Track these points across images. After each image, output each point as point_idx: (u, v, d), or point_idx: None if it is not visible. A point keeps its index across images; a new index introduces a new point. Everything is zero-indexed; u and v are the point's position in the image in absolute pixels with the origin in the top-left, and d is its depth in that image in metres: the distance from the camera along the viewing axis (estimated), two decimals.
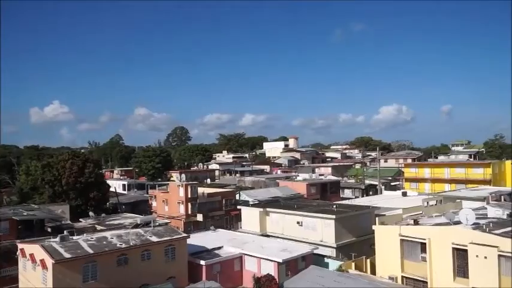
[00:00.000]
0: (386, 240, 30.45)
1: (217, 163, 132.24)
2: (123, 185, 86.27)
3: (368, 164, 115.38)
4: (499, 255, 24.02)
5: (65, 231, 29.52)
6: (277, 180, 79.02)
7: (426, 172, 74.88)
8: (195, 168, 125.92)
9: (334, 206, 42.42)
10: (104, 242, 28.40)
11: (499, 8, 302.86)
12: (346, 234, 37.57)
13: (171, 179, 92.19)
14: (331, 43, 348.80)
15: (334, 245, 36.46)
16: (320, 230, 37.89)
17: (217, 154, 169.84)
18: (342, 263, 31.98)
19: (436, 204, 38.49)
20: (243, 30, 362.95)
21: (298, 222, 39.80)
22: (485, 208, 34.29)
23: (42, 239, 29.14)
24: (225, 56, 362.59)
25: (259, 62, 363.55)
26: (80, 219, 45.74)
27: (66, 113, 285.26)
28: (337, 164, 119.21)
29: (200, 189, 59.02)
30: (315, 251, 34.10)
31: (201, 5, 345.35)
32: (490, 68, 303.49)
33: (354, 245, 36.77)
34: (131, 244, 28.61)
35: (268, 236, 41.37)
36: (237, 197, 61.26)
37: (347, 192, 78.28)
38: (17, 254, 29.13)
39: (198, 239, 36.43)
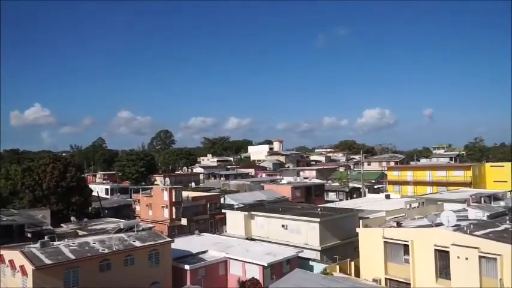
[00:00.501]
0: (370, 243, 30.73)
1: (201, 167, 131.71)
2: (106, 189, 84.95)
3: (352, 167, 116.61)
4: (480, 257, 24.47)
5: (45, 237, 28.87)
6: (262, 184, 79.00)
7: (409, 175, 75.98)
8: (180, 172, 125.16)
9: (319, 209, 42.62)
10: (86, 248, 27.90)
11: (476, 14, 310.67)
12: (331, 237, 37.78)
13: (155, 183, 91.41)
14: (315, 48, 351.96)
15: (319, 248, 36.62)
16: (305, 233, 38.01)
17: (202, 158, 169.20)
18: (326, 266, 32.11)
19: (418, 207, 39.14)
20: (228, 33, 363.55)
21: (283, 226, 39.85)
22: (466, 210, 34.92)
23: (22, 244, 28.40)
24: (210, 59, 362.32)
25: (244, 66, 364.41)
26: (62, 225, 44.70)
27: (47, 116, 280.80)
28: (322, 167, 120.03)
29: (184, 193, 58.61)
30: (300, 254, 34.16)
31: (185, 5, 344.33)
32: (469, 72, 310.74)
33: (338, 248, 37.01)
34: (114, 249, 28.17)
35: (253, 239, 41.29)
36: (222, 200, 61.01)
37: (331, 195, 78.81)
38: None
39: (182, 244, 36.12)
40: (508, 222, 30.44)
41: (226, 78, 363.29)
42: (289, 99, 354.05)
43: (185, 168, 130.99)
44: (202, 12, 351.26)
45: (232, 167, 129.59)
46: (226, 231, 46.11)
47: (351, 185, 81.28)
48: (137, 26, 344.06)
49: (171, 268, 30.84)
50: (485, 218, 31.61)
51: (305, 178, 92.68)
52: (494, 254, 24.00)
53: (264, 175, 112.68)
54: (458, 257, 25.31)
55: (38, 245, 27.16)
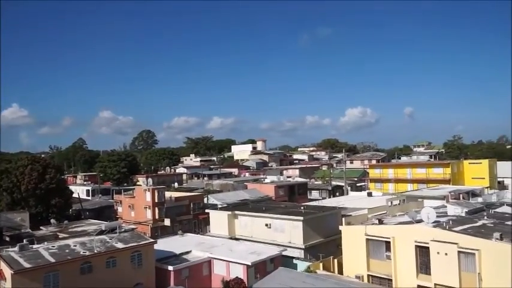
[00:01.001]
0: (352, 240, 31.09)
1: (184, 167, 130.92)
2: (87, 191, 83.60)
3: (334, 165, 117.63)
4: (459, 252, 25.05)
5: (24, 240, 28.25)
6: (246, 183, 78.99)
7: (390, 173, 77.16)
8: (162, 172, 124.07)
9: (302, 208, 42.87)
10: (67, 250, 27.41)
11: (455, 14, 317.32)
12: (314, 235, 38.05)
13: (138, 183, 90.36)
14: (298, 47, 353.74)
15: (303, 246, 36.84)
16: (288, 232, 38.18)
17: (185, 158, 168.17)
18: (310, 264, 32.34)
19: (399, 204, 39.70)
20: (211, 33, 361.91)
21: (266, 225, 39.93)
22: (445, 206, 35.70)
23: (0, 248, 27.77)
24: (192, 58, 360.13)
25: (227, 65, 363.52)
26: (41, 227, 43.85)
27: (26, 116, 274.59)
28: (305, 166, 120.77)
29: (167, 194, 58.09)
30: (284, 253, 34.33)
31: (165, 4, 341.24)
32: (448, 71, 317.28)
33: (321, 246, 37.29)
34: (95, 251, 27.77)
35: (237, 239, 41.26)
36: (205, 200, 60.74)
37: (314, 194, 79.37)
38: None
39: (165, 244, 35.85)
40: (485, 217, 31.27)
41: (210, 77, 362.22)
42: (273, 99, 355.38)
43: (168, 168, 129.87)
44: (184, 12, 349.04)
45: (215, 167, 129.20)
46: (209, 231, 45.94)
47: (333, 183, 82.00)
48: (117, 26, 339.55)
49: (155, 269, 30.57)
50: (463, 214, 32.39)
51: (288, 177, 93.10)
52: (473, 249, 24.60)
53: (247, 174, 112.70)
54: (438, 253, 25.84)
55: (16, 248, 26.58)
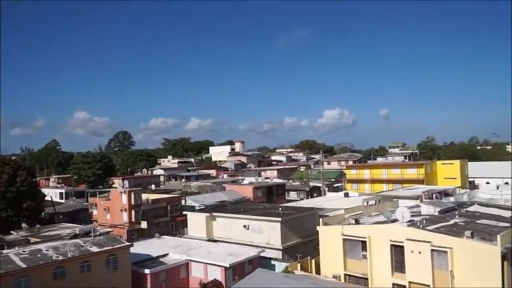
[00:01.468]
0: (329, 240, 31.40)
1: (162, 168, 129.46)
2: (61, 194, 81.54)
3: (312, 166, 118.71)
4: (432, 250, 25.66)
5: None
6: (224, 185, 78.84)
7: (366, 173, 78.38)
8: (139, 174, 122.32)
9: (280, 209, 43.07)
10: (39, 255, 26.64)
11: (427, 16, 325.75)
12: (292, 236, 38.27)
13: (113, 185, 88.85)
14: (276, 48, 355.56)
15: (280, 247, 37.00)
16: (266, 233, 38.27)
17: (162, 159, 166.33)
18: (288, 265, 32.50)
19: (375, 204, 40.38)
20: (189, 33, 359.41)
21: (244, 226, 39.92)
22: (419, 206, 36.52)
23: None
24: (170, 59, 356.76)
25: (205, 66, 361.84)
26: (11, 232, 42.43)
27: None
28: (283, 167, 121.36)
29: (144, 196, 57.41)
30: (262, 254, 34.38)
31: (139, 4, 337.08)
32: (421, 73, 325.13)
33: (299, 246, 37.56)
34: (69, 256, 27.09)
35: (215, 241, 41.09)
36: (183, 202, 60.28)
37: (292, 195, 79.83)
38: None
39: (142, 247, 35.38)
40: (457, 216, 32.18)
41: (188, 78, 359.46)
42: (251, 100, 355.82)
43: (145, 170, 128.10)
44: (159, 11, 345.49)
45: (193, 168, 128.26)
46: (187, 234, 45.59)
47: (311, 184, 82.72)
48: (91, 24, 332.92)
49: (131, 273, 30.08)
50: (436, 213, 33.23)
51: (266, 178, 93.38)
52: (445, 247, 25.24)
53: (225, 176, 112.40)
54: (412, 251, 26.40)
55: None
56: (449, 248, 25.08)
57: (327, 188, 78.25)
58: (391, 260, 27.87)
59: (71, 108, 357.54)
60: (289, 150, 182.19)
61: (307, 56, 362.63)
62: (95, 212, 60.02)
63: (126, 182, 59.40)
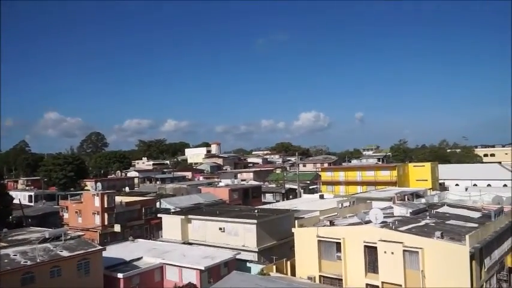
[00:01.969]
0: (305, 242, 31.66)
1: (136, 170, 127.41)
2: (30, 196, 79.15)
3: (288, 168, 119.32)
4: (404, 251, 26.25)
5: None
6: (200, 187, 78.34)
7: (341, 175, 79.51)
8: (113, 176, 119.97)
9: (256, 211, 43.11)
10: (6, 260, 25.68)
11: (397, 21, 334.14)
12: (268, 238, 38.35)
13: (86, 188, 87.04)
14: (254, 51, 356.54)
15: (256, 249, 37.01)
16: (242, 235, 38.21)
17: (137, 161, 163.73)
18: (263, 267, 32.56)
19: (349, 206, 41.03)
20: (165, 34, 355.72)
21: (220, 229, 39.75)
22: (392, 207, 37.35)
23: None
24: (146, 59, 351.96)
25: (182, 67, 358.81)
26: None
27: None
28: (259, 169, 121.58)
29: (118, 198, 56.42)
30: (238, 256, 34.30)
31: (118, 3, 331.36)
32: (394, 77, 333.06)
33: (275, 248, 37.69)
34: (38, 261, 26.25)
35: (190, 243, 40.72)
36: (158, 205, 59.50)
37: (268, 197, 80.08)
38: None
39: (115, 251, 34.68)
40: (428, 217, 33.05)
41: (164, 79, 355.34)
42: (228, 102, 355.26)
43: (119, 172, 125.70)
44: (135, 12, 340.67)
45: (168, 170, 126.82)
46: (162, 236, 45.00)
47: (287, 186, 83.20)
48: (63, 22, 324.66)
49: (103, 277, 29.42)
50: (408, 215, 34.04)
51: (243, 180, 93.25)
52: (417, 248, 25.87)
53: (201, 178, 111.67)
54: (385, 252, 26.93)
55: None
56: (421, 248, 25.72)
57: (302, 190, 78.88)
58: (365, 261, 28.34)
59: (41, 108, 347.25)
60: (266, 152, 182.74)
61: (285, 59, 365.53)
62: (66, 215, 58.61)
63: (99, 184, 58.22)
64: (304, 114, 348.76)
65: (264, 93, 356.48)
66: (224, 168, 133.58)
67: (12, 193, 62.94)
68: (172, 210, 54.03)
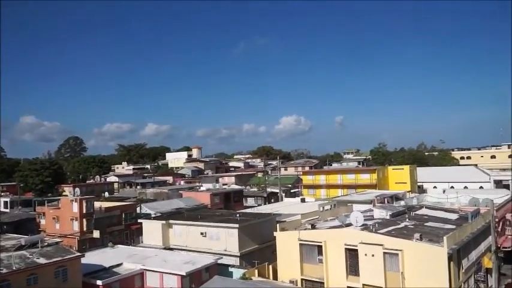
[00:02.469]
0: (286, 246, 31.75)
1: (116, 175, 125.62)
2: (5, 202, 77.05)
3: (270, 172, 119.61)
4: (384, 253, 26.63)
5: None
6: (181, 191, 77.70)
7: (322, 179, 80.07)
8: (92, 181, 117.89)
9: (238, 215, 43.00)
10: None
11: (377, 23, 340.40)
12: (250, 242, 38.28)
13: (64, 193, 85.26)
14: (235, 55, 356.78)
15: (238, 254, 36.89)
16: (224, 240, 38.04)
17: (117, 166, 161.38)
18: (245, 271, 32.44)
19: (330, 209, 41.40)
20: (145, 36, 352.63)
21: (202, 233, 39.49)
22: (372, 210, 37.82)
23: None
24: (126, 62, 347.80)
25: (162, 71, 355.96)
26: None
27: None
28: (240, 173, 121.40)
29: (97, 204, 55.45)
30: (220, 261, 34.07)
31: (97, 4, 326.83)
32: (372, 82, 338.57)
33: (257, 252, 37.63)
34: (14, 268, 25.48)
35: (171, 249, 40.28)
36: (138, 210, 58.75)
37: (250, 201, 79.96)
38: None
39: (94, 258, 34.02)
40: (407, 219, 33.61)
41: (144, 82, 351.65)
42: (210, 106, 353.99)
43: (98, 177, 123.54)
44: (114, 12, 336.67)
45: (149, 175, 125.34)
46: (142, 242, 44.39)
47: (268, 190, 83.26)
48: (41, 24, 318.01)
49: (82, 284, 28.78)
50: (388, 217, 34.54)
51: (224, 184, 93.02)
52: (396, 250, 26.29)
53: (182, 182, 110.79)
54: (365, 254, 27.25)
55: None
56: (400, 250, 26.13)
57: (284, 194, 79.08)
58: (346, 264, 28.61)
59: (17, 112, 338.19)
60: (247, 156, 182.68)
61: (266, 63, 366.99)
62: (43, 222, 57.30)
63: (77, 189, 57.21)
64: (286, 118, 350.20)
65: (245, 96, 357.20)
66: (205, 173, 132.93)
67: None
68: (153, 215, 53.39)
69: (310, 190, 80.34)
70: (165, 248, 40.16)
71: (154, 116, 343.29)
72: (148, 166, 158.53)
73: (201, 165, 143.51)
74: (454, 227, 31.04)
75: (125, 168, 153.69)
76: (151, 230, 43.25)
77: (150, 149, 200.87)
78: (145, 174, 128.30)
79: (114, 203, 61.49)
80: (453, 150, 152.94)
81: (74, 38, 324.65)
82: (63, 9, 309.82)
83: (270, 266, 33.12)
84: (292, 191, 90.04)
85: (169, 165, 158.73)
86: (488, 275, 33.29)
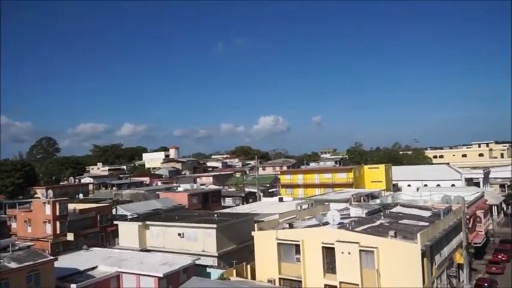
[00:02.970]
0: (264, 245, 31.84)
1: (91, 176, 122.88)
2: None
3: (248, 172, 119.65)
4: (360, 250, 27.05)
5: None
6: (158, 192, 76.77)
7: (299, 178, 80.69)
8: (65, 182, 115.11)
9: (216, 215, 42.84)
10: None
11: (354, 29, 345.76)
12: (228, 242, 38.20)
13: (36, 196, 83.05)
14: (214, 55, 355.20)
15: (216, 254, 36.75)
16: (202, 240, 37.84)
17: (92, 167, 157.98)
18: (223, 271, 32.35)
19: (308, 208, 41.76)
20: (122, 36, 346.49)
21: (179, 234, 39.15)
22: (349, 209, 38.39)
23: None
24: (101, 61, 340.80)
25: (139, 70, 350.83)
26: None
27: None
28: (218, 173, 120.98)
29: (71, 206, 54.29)
30: (197, 262, 33.84)
31: (86, 4, 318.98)
32: (348, 83, 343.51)
33: (235, 252, 37.57)
34: None
35: (148, 250, 39.77)
36: (114, 211, 57.74)
37: (228, 201, 79.79)
38: None
39: (68, 261, 33.24)
40: (382, 217, 34.27)
41: (120, 82, 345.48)
42: (187, 106, 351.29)
43: (72, 178, 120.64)
44: (87, 12, 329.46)
45: (125, 176, 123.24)
46: (118, 244, 43.65)
47: (246, 189, 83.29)
48: (14, 19, 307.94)
49: None
50: (364, 215, 35.14)
51: (202, 185, 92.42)
52: (372, 247, 26.75)
53: (159, 183, 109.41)
54: (342, 252, 27.62)
55: None
56: (376, 247, 26.61)
57: (262, 194, 79.29)
58: (323, 262, 28.93)
59: None
60: (225, 156, 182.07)
61: (243, 63, 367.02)
62: (14, 225, 55.74)
63: (50, 191, 55.88)
64: (264, 118, 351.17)
65: (224, 96, 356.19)
66: (183, 173, 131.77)
67: None
68: (130, 217, 52.62)
69: (288, 189, 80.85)
70: (141, 250, 39.60)
71: (131, 116, 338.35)
72: (125, 167, 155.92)
73: (179, 166, 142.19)
74: (427, 224, 31.85)
75: (100, 169, 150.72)
76: (127, 231, 42.58)
77: (126, 149, 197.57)
78: (122, 175, 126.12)
79: (89, 204, 60.39)
80: (426, 149, 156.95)
81: (44, 36, 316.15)
82: (30, 6, 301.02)
83: (248, 266, 33.14)
84: (270, 190, 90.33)
85: (146, 166, 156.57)
86: (460, 270, 34.34)
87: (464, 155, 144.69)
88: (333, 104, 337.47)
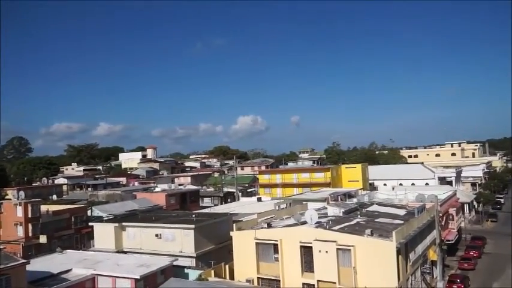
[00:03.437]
0: (243, 245, 31.79)
1: (65, 177, 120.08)
2: None
3: (226, 172, 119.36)
4: (337, 249, 27.35)
5: None
6: (135, 193, 75.70)
7: (278, 178, 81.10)
8: (38, 183, 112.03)
9: (194, 216, 42.52)
10: None
11: (330, 31, 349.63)
12: (206, 242, 37.97)
13: (6, 197, 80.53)
14: (192, 55, 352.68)
15: (194, 255, 36.48)
16: (180, 241, 37.48)
17: (66, 167, 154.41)
18: (201, 272, 32.11)
19: (286, 207, 41.95)
20: (100, 35, 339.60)
21: (157, 235, 38.67)
22: (326, 208, 38.78)
23: None
24: (77, 59, 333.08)
25: (116, 69, 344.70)
26: None
27: None
28: (197, 173, 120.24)
29: (44, 207, 52.86)
30: (175, 263, 33.45)
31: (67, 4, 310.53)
32: (326, 85, 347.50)
33: (214, 253, 37.37)
34: None
35: (125, 252, 39.11)
36: (89, 213, 56.55)
37: (206, 201, 79.37)
38: None
39: (41, 264, 32.30)
40: (359, 216, 34.78)
41: (96, 80, 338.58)
42: (165, 105, 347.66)
43: (45, 179, 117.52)
44: (68, 11, 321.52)
45: (101, 176, 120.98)
46: (94, 246, 42.78)
47: (225, 189, 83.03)
48: None
49: None
50: (341, 214, 35.56)
51: (180, 185, 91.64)
52: (349, 246, 27.09)
53: (136, 183, 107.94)
54: (319, 251, 27.86)
55: None
56: (352, 246, 26.97)
57: (240, 193, 79.17)
58: (301, 261, 29.09)
59: None
60: (203, 156, 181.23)
61: (222, 63, 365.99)
62: None
63: (21, 192, 54.21)
64: (242, 118, 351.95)
65: (202, 96, 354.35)
66: (160, 173, 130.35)
67: None
68: (105, 218, 51.60)
69: (267, 189, 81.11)
70: (118, 252, 38.93)
71: (108, 115, 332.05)
72: (101, 167, 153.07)
73: (156, 166, 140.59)
74: (402, 222, 32.49)
75: (74, 170, 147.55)
76: (103, 233, 41.77)
77: (102, 149, 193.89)
78: (97, 176, 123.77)
79: (62, 206, 58.97)
80: (402, 149, 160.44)
81: (17, 33, 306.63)
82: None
83: (227, 266, 33.01)
84: (248, 190, 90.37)
85: (123, 166, 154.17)
86: (434, 267, 35.20)
87: (437, 155, 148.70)
88: (311, 104, 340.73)
